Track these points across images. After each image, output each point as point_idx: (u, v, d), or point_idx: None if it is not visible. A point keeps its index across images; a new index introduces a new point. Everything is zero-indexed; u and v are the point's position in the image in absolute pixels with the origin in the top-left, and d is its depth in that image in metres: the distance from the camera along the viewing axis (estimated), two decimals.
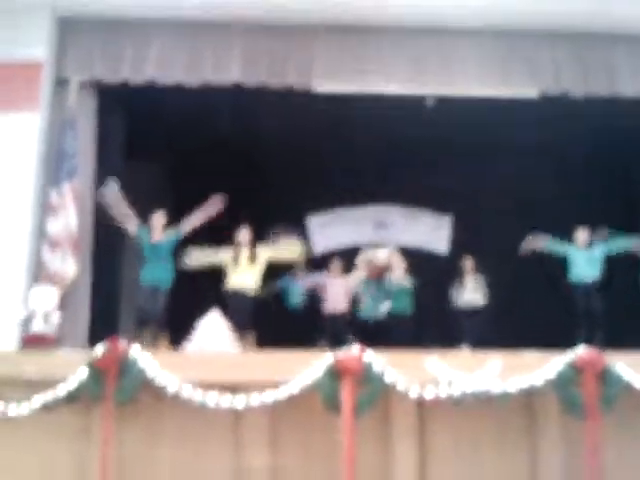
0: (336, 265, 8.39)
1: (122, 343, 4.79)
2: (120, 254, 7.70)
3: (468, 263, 8.41)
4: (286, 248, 7.43)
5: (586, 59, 7.21)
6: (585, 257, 7.59)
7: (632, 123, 7.79)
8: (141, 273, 6.63)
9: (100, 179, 6.81)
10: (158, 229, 6.71)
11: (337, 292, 8.10)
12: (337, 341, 7.65)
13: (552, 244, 7.69)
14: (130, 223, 6.70)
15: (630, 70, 7.17)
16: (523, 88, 7.29)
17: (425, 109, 7.57)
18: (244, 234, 7.09)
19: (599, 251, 7.60)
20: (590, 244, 7.70)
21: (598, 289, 7.49)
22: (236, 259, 7.00)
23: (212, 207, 6.77)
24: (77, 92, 6.80)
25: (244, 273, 6.98)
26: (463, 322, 8.26)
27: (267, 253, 7.15)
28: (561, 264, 7.70)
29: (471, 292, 8.38)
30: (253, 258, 7.04)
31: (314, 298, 8.51)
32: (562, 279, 7.67)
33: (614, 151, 8.66)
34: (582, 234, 7.68)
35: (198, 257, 6.99)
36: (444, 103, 7.45)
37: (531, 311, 9.14)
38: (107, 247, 7.05)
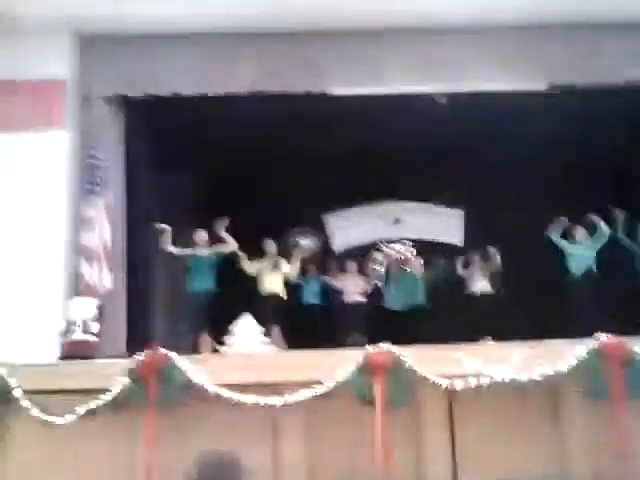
0: (351, 265, 8.79)
1: (161, 350, 4.84)
2: (153, 264, 7.81)
3: (475, 257, 8.70)
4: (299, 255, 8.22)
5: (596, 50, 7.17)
6: (581, 251, 7.64)
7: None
8: (188, 283, 7.50)
9: (130, 191, 6.89)
10: (200, 244, 7.56)
11: (353, 289, 8.39)
12: (352, 332, 7.99)
13: (555, 237, 7.75)
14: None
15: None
16: (531, 81, 7.28)
17: (436, 106, 7.58)
18: (270, 245, 8.05)
19: (597, 244, 7.64)
20: (589, 237, 7.73)
21: (596, 281, 7.53)
22: (266, 267, 7.89)
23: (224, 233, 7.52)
24: (103, 108, 6.87)
25: (273, 279, 7.88)
26: (476, 309, 8.45)
27: (288, 267, 8.06)
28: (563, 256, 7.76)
29: (479, 282, 8.59)
30: (278, 266, 7.95)
31: (331, 296, 8.74)
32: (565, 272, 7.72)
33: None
34: (581, 230, 7.73)
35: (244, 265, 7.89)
36: (454, 100, 7.46)
37: (537, 301, 9.20)
38: (140, 258, 7.15)
